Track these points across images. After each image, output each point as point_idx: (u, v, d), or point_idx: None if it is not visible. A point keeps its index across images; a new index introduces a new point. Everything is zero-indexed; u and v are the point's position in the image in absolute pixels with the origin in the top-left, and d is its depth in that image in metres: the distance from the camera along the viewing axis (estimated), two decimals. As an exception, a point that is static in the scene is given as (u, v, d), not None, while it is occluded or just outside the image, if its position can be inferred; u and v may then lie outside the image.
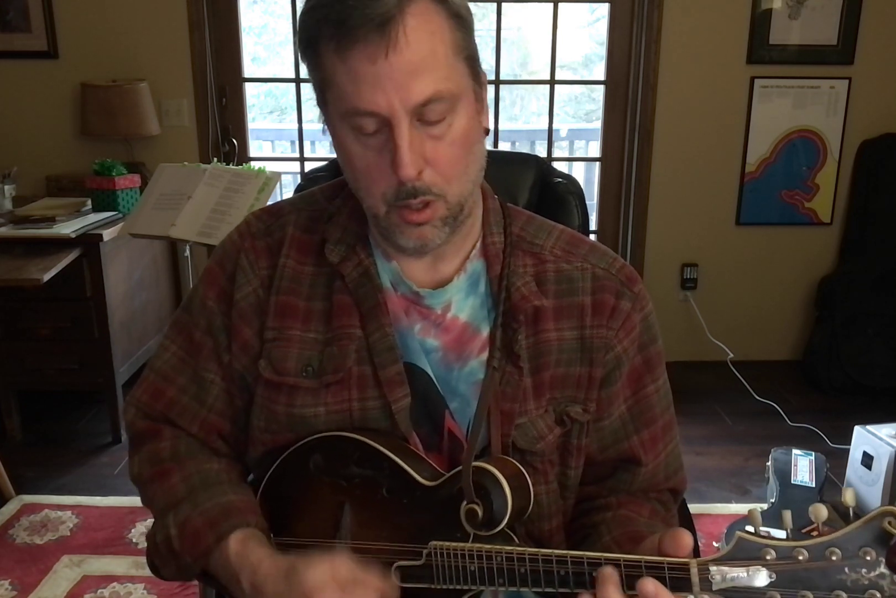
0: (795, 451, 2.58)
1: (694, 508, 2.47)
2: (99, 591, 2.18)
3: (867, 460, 2.50)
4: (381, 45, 0.81)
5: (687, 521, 1.38)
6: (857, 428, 2.57)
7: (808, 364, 3.57)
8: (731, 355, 3.61)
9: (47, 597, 2.15)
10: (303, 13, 0.87)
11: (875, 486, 2.46)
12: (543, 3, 3.47)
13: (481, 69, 0.92)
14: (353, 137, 0.87)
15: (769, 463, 2.56)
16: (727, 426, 3.18)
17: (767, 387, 3.45)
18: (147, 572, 1.02)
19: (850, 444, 2.60)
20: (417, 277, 0.99)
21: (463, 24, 0.87)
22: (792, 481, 2.48)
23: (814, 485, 2.46)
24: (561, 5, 3.43)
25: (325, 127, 0.93)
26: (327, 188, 1.07)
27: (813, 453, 2.57)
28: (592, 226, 3.67)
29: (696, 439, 3.01)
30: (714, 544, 2.36)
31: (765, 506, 2.51)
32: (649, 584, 0.76)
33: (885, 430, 2.50)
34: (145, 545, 1.04)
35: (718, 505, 2.61)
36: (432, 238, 0.91)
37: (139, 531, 2.42)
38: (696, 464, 2.83)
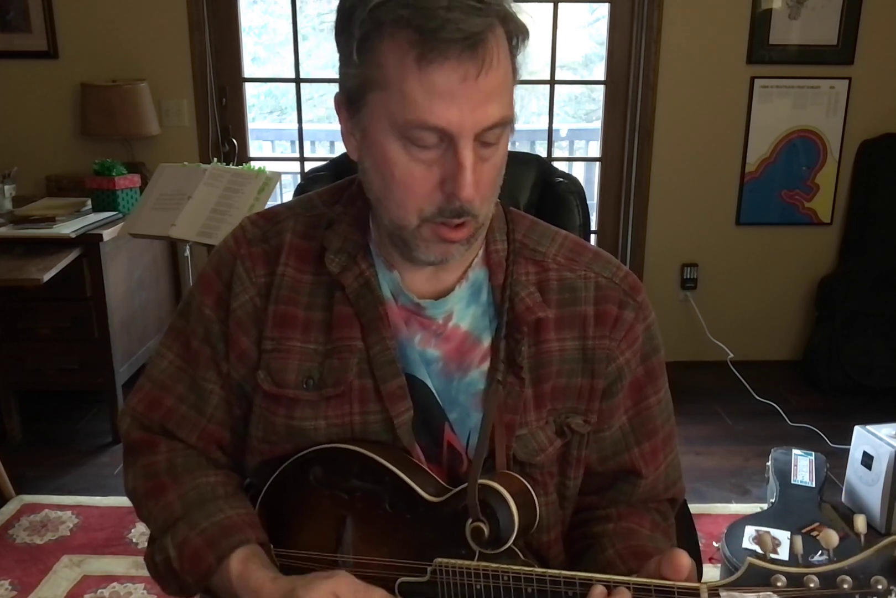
0: (795, 451, 2.57)
1: (694, 508, 2.46)
2: (99, 591, 2.18)
3: (867, 460, 2.49)
4: (474, 65, 0.79)
5: (688, 522, 1.38)
6: (857, 428, 2.57)
7: (808, 364, 3.57)
8: (731, 355, 3.61)
9: (47, 597, 2.15)
10: (369, 7, 0.80)
11: (875, 486, 2.46)
12: (543, 3, 3.47)
13: None
14: (401, 146, 0.83)
15: (769, 463, 2.56)
16: (727, 426, 3.18)
17: (767, 387, 3.44)
18: (147, 572, 1.01)
19: (850, 444, 2.60)
20: (418, 287, 0.97)
21: (518, 48, 0.85)
22: (792, 481, 2.48)
23: (814, 485, 2.46)
24: (561, 5, 3.43)
25: (352, 125, 0.88)
26: (325, 193, 1.04)
27: (813, 453, 2.57)
28: (592, 226, 3.67)
29: (696, 439, 3.01)
30: (714, 544, 2.36)
31: (765, 506, 2.51)
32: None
33: (885, 430, 2.49)
34: (145, 545, 1.03)
35: (718, 505, 2.60)
36: (455, 254, 0.91)
37: (139, 530, 2.42)
38: (696, 464, 2.83)
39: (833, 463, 2.62)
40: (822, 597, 0.69)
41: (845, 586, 0.69)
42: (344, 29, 0.84)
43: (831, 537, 0.70)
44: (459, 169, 0.82)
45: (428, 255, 0.90)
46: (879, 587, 0.68)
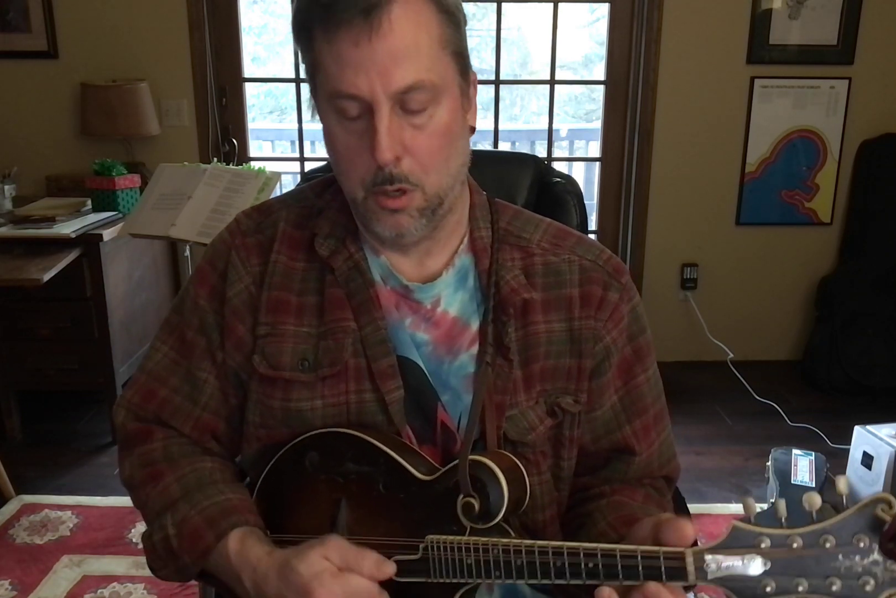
0: (795, 451, 2.58)
1: (694, 508, 2.47)
2: (99, 591, 2.18)
3: (867, 460, 2.50)
4: (365, 29, 0.83)
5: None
6: (857, 428, 2.57)
7: (808, 364, 3.57)
8: (731, 355, 3.61)
9: (47, 597, 2.15)
10: (296, 0, 0.89)
11: (875, 486, 2.46)
12: (543, 3, 3.47)
13: (470, 67, 0.93)
14: (337, 119, 0.89)
15: (769, 463, 2.56)
16: (727, 426, 3.18)
17: (767, 387, 3.44)
18: (147, 572, 1.02)
19: (850, 444, 2.60)
20: (406, 273, 0.99)
21: (452, 20, 0.88)
22: (792, 481, 2.48)
23: (814, 485, 2.46)
24: (561, 5, 3.44)
25: (315, 112, 0.94)
26: (316, 184, 1.07)
27: (813, 453, 2.57)
28: (592, 226, 3.68)
29: (696, 439, 3.01)
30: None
31: (765, 506, 2.51)
32: (651, 585, 0.76)
33: (885, 430, 2.50)
34: (144, 543, 1.04)
35: (718, 505, 2.60)
36: (408, 227, 0.92)
37: (139, 530, 2.42)
38: (696, 464, 2.83)
39: (833, 463, 2.62)
40: (805, 557, 0.70)
41: (828, 545, 0.70)
42: (292, 23, 0.91)
43: (814, 499, 0.71)
44: (374, 133, 0.86)
45: (382, 228, 0.93)
46: (861, 544, 0.69)
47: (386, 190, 0.89)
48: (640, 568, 0.77)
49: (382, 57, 0.83)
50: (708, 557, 0.74)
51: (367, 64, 0.84)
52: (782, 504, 0.73)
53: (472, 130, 0.96)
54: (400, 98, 0.85)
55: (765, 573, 0.72)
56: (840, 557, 0.69)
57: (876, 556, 0.68)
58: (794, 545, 0.71)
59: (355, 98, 0.85)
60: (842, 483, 0.71)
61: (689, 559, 0.75)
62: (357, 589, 0.84)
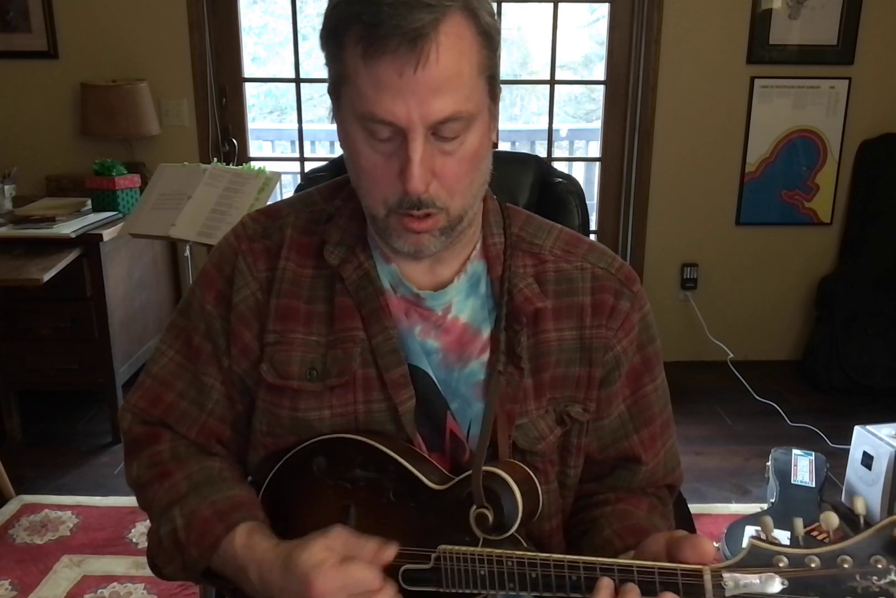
0: (795, 451, 2.58)
1: (694, 508, 2.46)
2: (99, 591, 2.18)
3: (867, 460, 2.50)
4: (411, 59, 0.80)
5: (687, 521, 1.38)
6: (857, 428, 2.57)
7: (808, 364, 3.58)
8: (731, 355, 3.61)
9: (47, 597, 2.15)
10: (333, 4, 0.85)
11: (875, 486, 2.46)
12: (543, 3, 3.47)
13: (499, 87, 0.92)
14: (364, 137, 0.87)
15: (769, 463, 2.56)
16: (727, 426, 3.18)
17: (767, 387, 3.45)
18: (147, 572, 1.02)
19: (850, 444, 2.60)
20: (417, 280, 0.99)
21: (490, 43, 0.87)
22: (792, 481, 2.48)
23: (814, 485, 2.46)
24: (561, 5, 3.43)
25: (334, 117, 0.93)
26: (325, 189, 1.06)
27: (813, 453, 2.57)
28: (592, 226, 3.67)
29: (696, 439, 3.01)
30: (714, 544, 2.36)
31: (765, 506, 2.51)
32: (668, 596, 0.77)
33: (885, 430, 2.50)
34: (145, 545, 1.03)
35: (718, 505, 2.61)
36: (428, 246, 0.91)
37: (139, 530, 2.42)
38: (696, 464, 2.83)
39: (833, 463, 2.63)
40: (823, 577, 0.71)
41: (846, 566, 0.70)
42: (322, 29, 0.88)
43: (831, 518, 0.71)
44: (407, 162, 0.84)
45: (401, 245, 0.92)
46: (879, 566, 0.69)
47: (411, 213, 0.88)
48: (658, 584, 0.77)
49: (424, 87, 0.81)
50: (726, 575, 0.74)
51: (407, 93, 0.82)
52: (799, 523, 0.74)
53: (495, 145, 0.96)
54: (435, 127, 0.84)
55: (782, 591, 0.72)
56: (857, 577, 0.70)
57: (893, 577, 0.69)
58: (812, 565, 0.71)
59: (390, 124, 0.84)
60: (859, 504, 0.71)
61: (707, 577, 0.75)
62: (357, 580, 0.84)
